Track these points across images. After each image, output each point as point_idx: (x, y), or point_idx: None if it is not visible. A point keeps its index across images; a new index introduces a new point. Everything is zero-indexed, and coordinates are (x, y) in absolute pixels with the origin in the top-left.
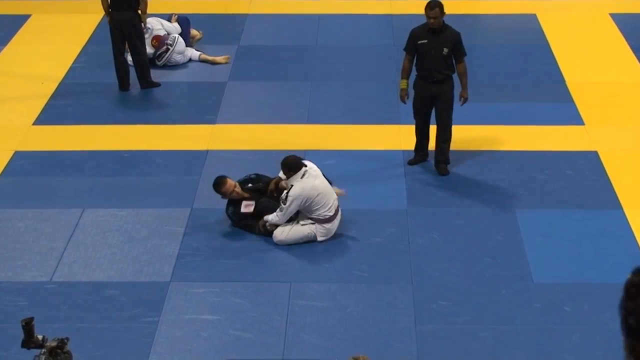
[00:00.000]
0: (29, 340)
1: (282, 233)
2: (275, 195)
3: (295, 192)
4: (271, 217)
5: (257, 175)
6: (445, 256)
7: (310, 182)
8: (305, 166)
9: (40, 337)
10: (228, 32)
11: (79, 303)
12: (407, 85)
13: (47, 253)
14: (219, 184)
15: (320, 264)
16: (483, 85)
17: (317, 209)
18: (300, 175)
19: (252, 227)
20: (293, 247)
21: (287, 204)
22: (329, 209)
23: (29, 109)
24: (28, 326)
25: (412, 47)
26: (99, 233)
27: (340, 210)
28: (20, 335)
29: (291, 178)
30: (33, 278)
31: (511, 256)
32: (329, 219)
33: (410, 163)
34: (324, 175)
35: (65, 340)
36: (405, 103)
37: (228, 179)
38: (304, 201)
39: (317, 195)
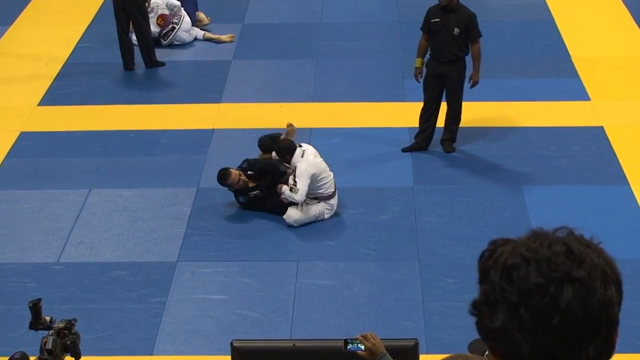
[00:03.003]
0: (37, 322)
1: (295, 214)
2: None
3: (302, 170)
4: (289, 196)
5: (246, 161)
6: (452, 233)
7: (311, 159)
8: (300, 146)
9: (47, 318)
10: (232, 11)
11: (87, 284)
12: (422, 64)
13: (54, 234)
14: (224, 177)
15: (327, 243)
16: (488, 61)
17: (319, 186)
18: (300, 155)
19: (263, 206)
20: (300, 226)
21: (299, 184)
22: (330, 185)
23: (34, 89)
24: (35, 307)
25: (427, 26)
26: (105, 213)
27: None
28: (27, 316)
29: (292, 161)
30: (40, 259)
31: (518, 233)
32: (332, 195)
33: (404, 150)
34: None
35: (73, 322)
36: (418, 82)
37: (232, 170)
38: (312, 176)
39: (320, 172)
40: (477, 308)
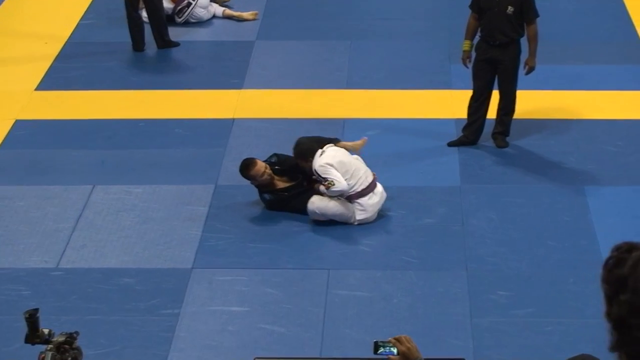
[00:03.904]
0: (33, 335)
1: (322, 200)
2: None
3: (323, 163)
4: (331, 191)
5: (276, 155)
6: (504, 239)
7: (330, 153)
8: (321, 148)
9: (45, 331)
10: None
11: (90, 292)
12: (471, 47)
13: (53, 236)
14: (248, 167)
15: (362, 249)
16: (547, 44)
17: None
18: (319, 155)
19: (290, 206)
20: (332, 229)
21: (330, 177)
22: (358, 181)
23: (30, 72)
24: (32, 319)
25: (476, 4)
26: (111, 213)
27: (379, 186)
28: (23, 329)
29: (313, 164)
30: (37, 264)
31: (579, 239)
32: (362, 193)
33: (450, 144)
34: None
35: (75, 335)
36: (467, 67)
37: (258, 160)
38: (337, 165)
39: (340, 166)
40: (621, 322)
